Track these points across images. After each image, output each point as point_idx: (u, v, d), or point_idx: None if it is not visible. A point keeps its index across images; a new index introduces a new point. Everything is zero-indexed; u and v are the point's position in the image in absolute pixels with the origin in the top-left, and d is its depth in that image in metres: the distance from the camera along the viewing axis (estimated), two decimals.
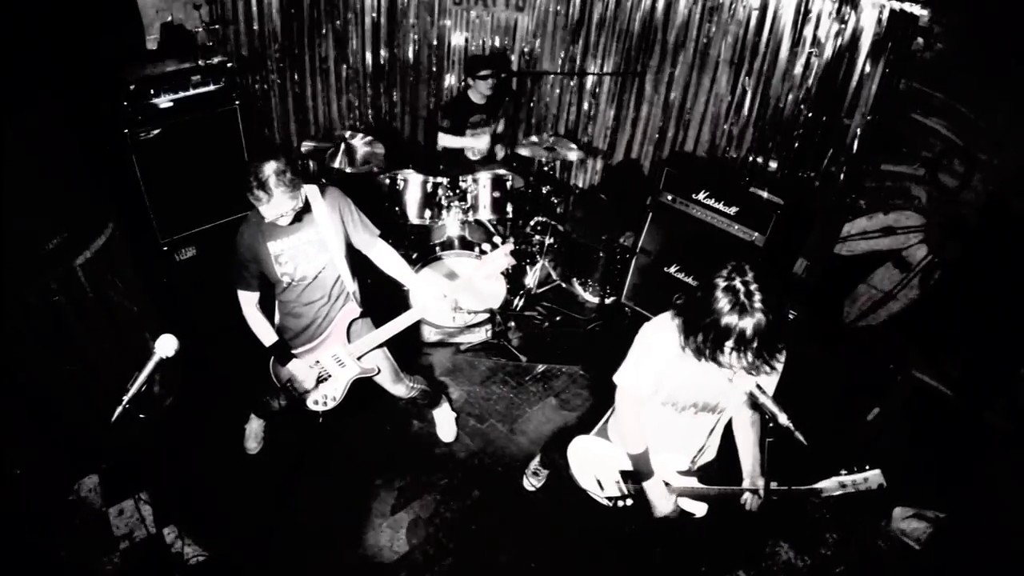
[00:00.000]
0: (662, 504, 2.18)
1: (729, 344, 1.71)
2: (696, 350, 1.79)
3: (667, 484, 2.20)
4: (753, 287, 1.67)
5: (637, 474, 2.19)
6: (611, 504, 2.40)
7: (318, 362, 2.69)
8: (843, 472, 1.90)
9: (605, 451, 2.34)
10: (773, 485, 1.97)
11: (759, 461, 2.09)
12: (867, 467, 1.88)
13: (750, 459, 2.13)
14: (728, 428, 2.21)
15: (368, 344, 2.70)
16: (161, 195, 3.36)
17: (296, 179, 2.26)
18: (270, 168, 2.18)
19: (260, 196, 2.19)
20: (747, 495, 2.10)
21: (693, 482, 2.19)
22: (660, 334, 1.98)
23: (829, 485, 1.92)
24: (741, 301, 1.67)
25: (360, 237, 2.61)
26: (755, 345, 1.69)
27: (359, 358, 2.72)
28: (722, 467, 2.28)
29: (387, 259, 2.69)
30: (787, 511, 3.05)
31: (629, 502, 2.36)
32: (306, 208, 2.43)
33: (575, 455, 2.43)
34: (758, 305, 1.66)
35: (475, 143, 4.31)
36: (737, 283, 1.69)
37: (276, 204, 2.23)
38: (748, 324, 1.66)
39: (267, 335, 2.60)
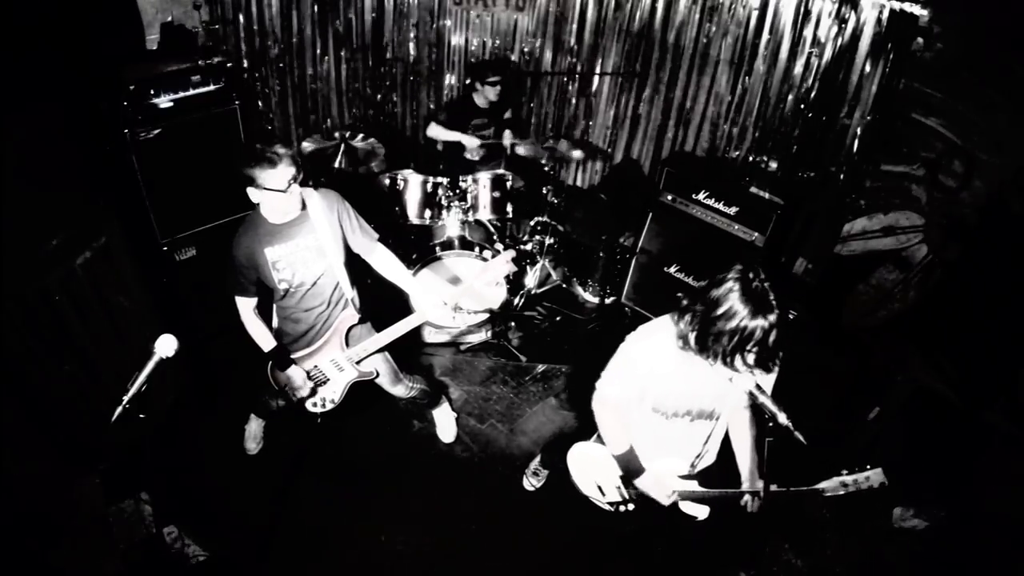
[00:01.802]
0: (661, 495, 2.16)
1: (750, 344, 1.71)
2: (718, 354, 1.77)
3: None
4: (767, 285, 1.70)
5: (628, 473, 2.19)
6: (613, 509, 2.40)
7: (316, 367, 2.68)
8: (844, 472, 1.90)
9: (605, 456, 2.32)
10: (774, 487, 1.97)
11: (757, 463, 2.09)
12: (868, 466, 1.88)
13: (748, 461, 2.13)
14: (726, 431, 2.21)
15: (367, 349, 2.69)
16: (161, 195, 3.36)
17: (292, 150, 2.28)
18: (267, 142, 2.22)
19: (264, 166, 2.19)
20: (747, 497, 2.09)
21: (694, 485, 2.18)
22: (644, 344, 2.00)
23: (831, 485, 1.91)
24: (761, 302, 1.68)
25: (359, 241, 2.58)
26: (774, 343, 1.70)
27: (358, 362, 2.72)
28: (723, 470, 2.28)
29: (386, 264, 2.66)
30: (787, 511, 3.05)
31: (631, 507, 2.35)
32: (304, 212, 2.42)
33: (575, 461, 2.42)
34: (775, 303, 1.68)
35: (464, 139, 4.17)
36: (756, 284, 1.70)
37: (282, 171, 2.22)
38: (771, 323, 1.68)
39: (265, 340, 2.58)
